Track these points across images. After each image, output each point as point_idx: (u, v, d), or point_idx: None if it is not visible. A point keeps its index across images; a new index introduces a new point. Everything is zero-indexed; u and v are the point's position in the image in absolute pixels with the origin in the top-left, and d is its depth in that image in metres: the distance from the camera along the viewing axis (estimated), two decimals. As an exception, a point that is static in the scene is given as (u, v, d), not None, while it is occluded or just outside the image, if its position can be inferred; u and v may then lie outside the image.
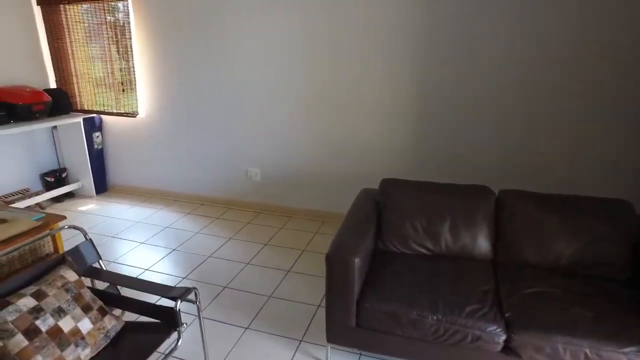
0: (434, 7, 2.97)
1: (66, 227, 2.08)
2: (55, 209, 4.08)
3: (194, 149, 4.04)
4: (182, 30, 3.70)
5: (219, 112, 3.82)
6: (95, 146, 4.35)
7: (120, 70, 4.01)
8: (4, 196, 3.96)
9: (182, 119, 3.99)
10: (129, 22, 3.82)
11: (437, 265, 2.07)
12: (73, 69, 4.20)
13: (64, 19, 4.03)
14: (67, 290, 1.58)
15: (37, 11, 4.10)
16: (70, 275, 1.65)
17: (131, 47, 3.89)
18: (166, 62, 3.86)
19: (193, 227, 3.61)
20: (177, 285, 2.62)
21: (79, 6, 3.93)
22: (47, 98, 3.87)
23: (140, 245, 3.29)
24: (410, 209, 2.21)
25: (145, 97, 4.07)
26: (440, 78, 3.11)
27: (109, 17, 3.85)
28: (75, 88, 4.27)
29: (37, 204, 4.08)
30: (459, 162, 3.25)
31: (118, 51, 3.95)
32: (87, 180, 4.38)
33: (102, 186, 4.52)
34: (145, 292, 1.78)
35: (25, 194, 4.07)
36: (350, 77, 3.31)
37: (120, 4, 3.77)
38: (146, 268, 2.94)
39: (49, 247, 2.27)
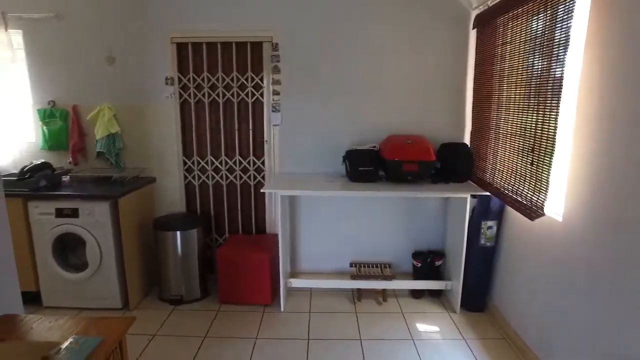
0: None
1: None
2: (400, 306, 2.86)
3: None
4: None
5: None
6: (483, 240, 2.70)
7: (536, 130, 2.11)
8: (365, 264, 3.20)
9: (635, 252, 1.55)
10: (564, 51, 1.83)
11: None
12: (492, 121, 2.69)
13: (499, 42, 2.58)
14: None
15: (472, 36, 2.92)
16: None
17: (559, 92, 1.89)
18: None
19: None
20: None
21: (520, 20, 2.33)
22: (429, 158, 2.65)
23: None
24: None
25: (568, 188, 1.91)
26: None
27: (546, 43, 2.01)
28: (488, 149, 2.76)
29: (382, 291, 3.02)
30: None
31: (539, 98, 2.06)
32: (456, 284, 2.85)
33: (476, 302, 2.82)
34: None
35: (384, 271, 3.11)
36: None
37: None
38: None
39: None
